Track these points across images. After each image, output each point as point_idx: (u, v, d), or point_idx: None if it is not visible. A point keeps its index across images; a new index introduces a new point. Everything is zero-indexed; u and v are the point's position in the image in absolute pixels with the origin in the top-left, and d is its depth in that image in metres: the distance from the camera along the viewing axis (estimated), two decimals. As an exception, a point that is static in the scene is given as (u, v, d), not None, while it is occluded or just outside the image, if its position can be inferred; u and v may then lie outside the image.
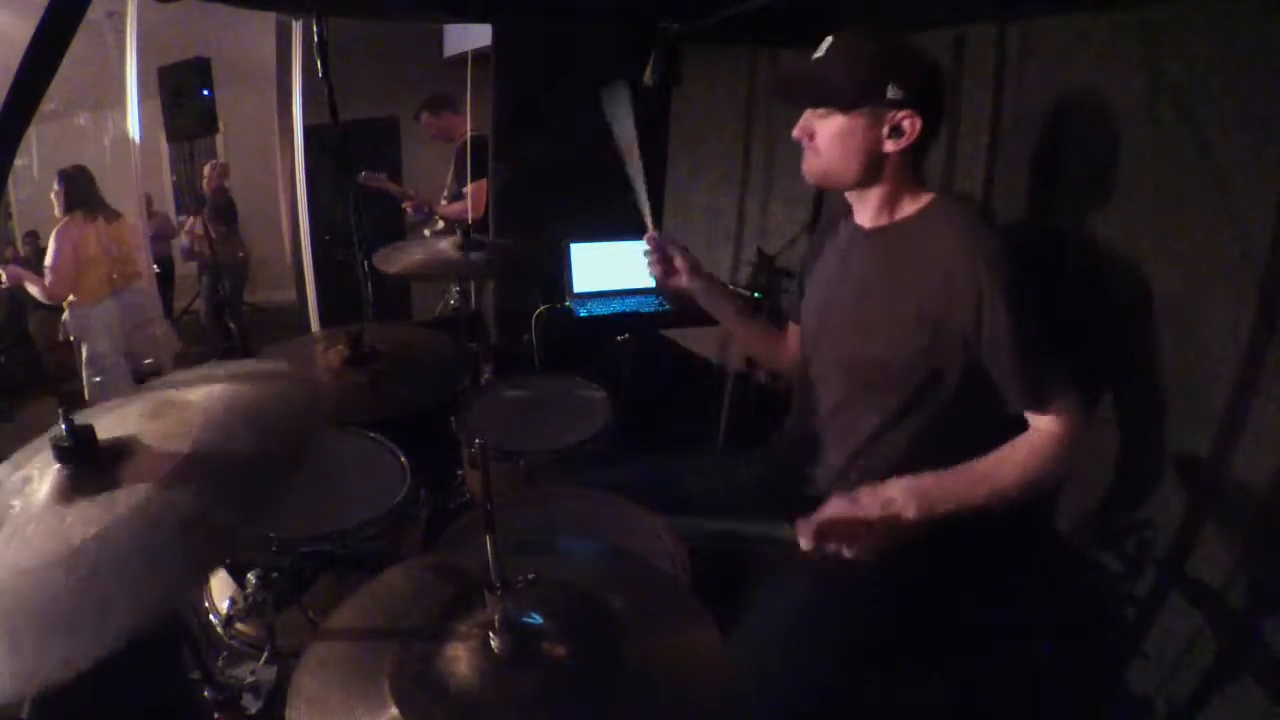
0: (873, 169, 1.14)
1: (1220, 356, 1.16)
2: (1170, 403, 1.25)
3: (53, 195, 3.29)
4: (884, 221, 1.20)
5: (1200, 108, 1.17)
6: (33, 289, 3.30)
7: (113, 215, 3.37)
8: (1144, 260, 1.28)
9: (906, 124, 1.09)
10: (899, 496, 1.05)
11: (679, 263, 1.44)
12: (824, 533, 1.04)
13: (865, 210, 1.22)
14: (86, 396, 3.33)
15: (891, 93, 1.07)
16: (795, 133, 1.18)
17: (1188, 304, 1.21)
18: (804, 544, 1.04)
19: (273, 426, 0.75)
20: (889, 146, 1.11)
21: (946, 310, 1.09)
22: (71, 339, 3.39)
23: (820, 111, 1.14)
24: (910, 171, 1.16)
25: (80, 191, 3.28)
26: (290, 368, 0.89)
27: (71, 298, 3.26)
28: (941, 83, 1.14)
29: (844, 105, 1.11)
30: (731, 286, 2.36)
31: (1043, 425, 1.09)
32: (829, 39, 1.13)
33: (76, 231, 3.22)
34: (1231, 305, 1.15)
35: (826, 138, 1.14)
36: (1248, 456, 1.15)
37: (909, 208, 1.18)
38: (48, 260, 3.21)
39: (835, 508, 1.06)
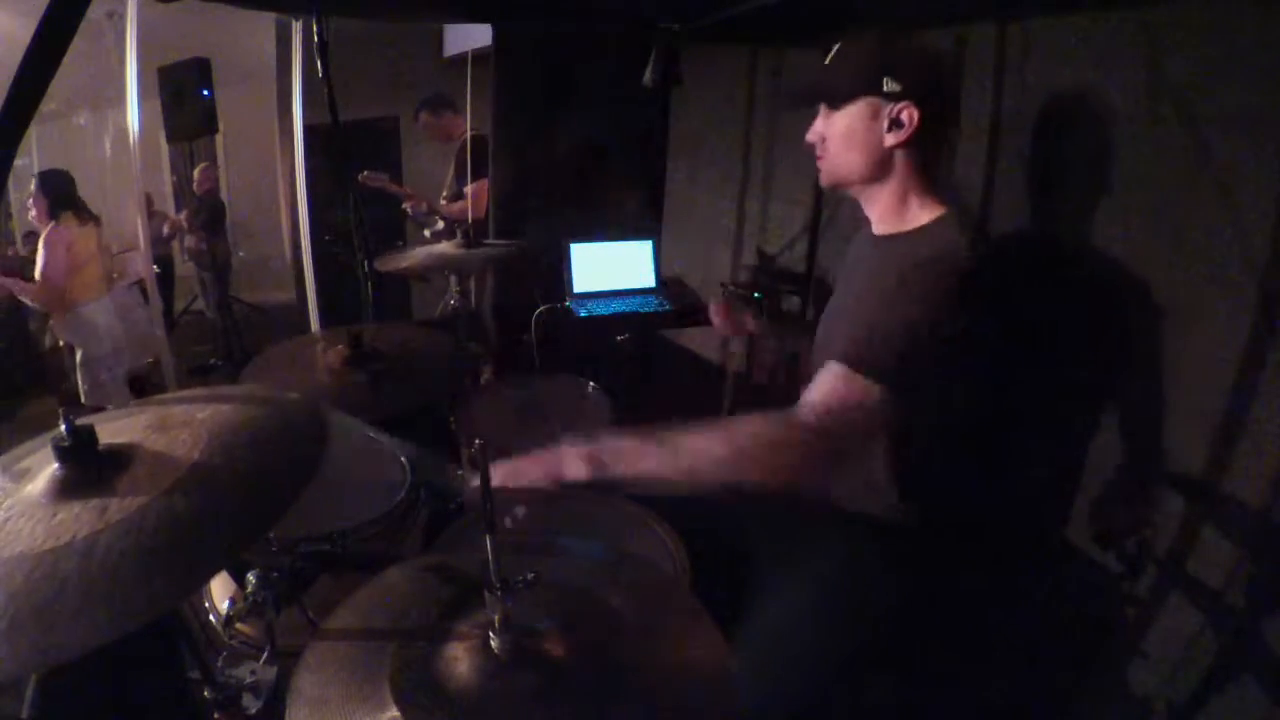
0: (878, 164, 1.14)
1: (1220, 356, 1.16)
2: (1170, 403, 1.25)
3: (29, 201, 3.25)
4: (890, 230, 1.19)
5: (1200, 108, 1.17)
6: (24, 298, 3.27)
7: (95, 217, 3.35)
8: (1143, 260, 1.28)
9: (904, 116, 1.09)
10: (572, 456, 1.00)
11: (750, 324, 1.61)
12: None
13: (875, 214, 1.22)
14: (83, 400, 3.31)
15: (888, 85, 1.08)
16: (809, 138, 1.19)
17: (1188, 304, 1.21)
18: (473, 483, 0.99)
19: (276, 453, 0.75)
20: (889, 140, 1.11)
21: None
22: (61, 343, 3.36)
23: (826, 113, 1.16)
24: (919, 173, 1.15)
25: (65, 194, 3.25)
26: (300, 396, 0.89)
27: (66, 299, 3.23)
28: (944, 78, 1.14)
29: (839, 100, 1.13)
30: (732, 287, 2.37)
31: (819, 382, 1.01)
32: (838, 45, 1.15)
33: (68, 234, 3.18)
34: (1231, 305, 1.15)
35: (834, 138, 1.16)
36: (1247, 456, 1.15)
37: (918, 218, 1.16)
38: (38, 266, 3.15)
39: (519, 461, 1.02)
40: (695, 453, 0.98)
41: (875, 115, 1.11)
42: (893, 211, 1.18)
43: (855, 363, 0.99)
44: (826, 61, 1.15)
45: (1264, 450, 1.12)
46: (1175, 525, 1.25)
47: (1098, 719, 1.42)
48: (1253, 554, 1.15)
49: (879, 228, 1.22)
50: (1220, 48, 1.14)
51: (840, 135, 1.15)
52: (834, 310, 1.31)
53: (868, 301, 1.09)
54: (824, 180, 1.21)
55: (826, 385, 1.01)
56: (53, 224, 3.17)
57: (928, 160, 1.15)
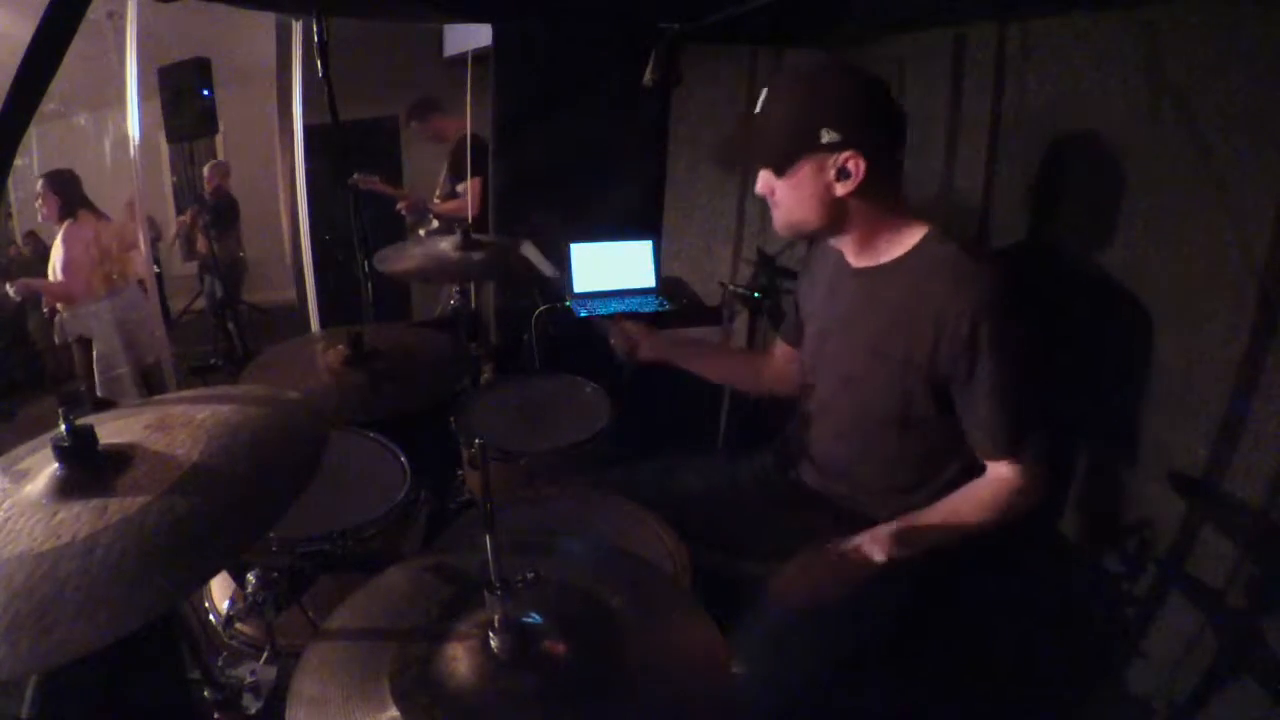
0: (834, 214, 1.12)
1: (1220, 356, 1.16)
2: (1170, 403, 1.25)
3: (37, 202, 3.30)
4: (869, 263, 1.18)
5: (1200, 108, 1.17)
6: (46, 295, 3.36)
7: (106, 217, 3.42)
8: (1143, 260, 1.28)
9: (850, 165, 1.06)
10: (866, 546, 1.07)
11: (634, 330, 1.55)
12: (796, 587, 1.07)
13: (848, 249, 1.21)
14: (98, 393, 3.36)
15: (826, 136, 1.04)
16: (758, 189, 1.16)
17: (1188, 304, 1.21)
18: (776, 597, 1.07)
19: (276, 453, 0.75)
20: (840, 190, 1.08)
21: (933, 356, 1.08)
22: (71, 341, 3.40)
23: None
24: (881, 207, 1.13)
25: (77, 193, 3.31)
26: (300, 397, 0.89)
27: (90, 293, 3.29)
28: (885, 112, 1.09)
29: (779, 164, 1.10)
30: (733, 287, 2.37)
31: (1002, 472, 1.11)
32: (765, 91, 1.12)
33: (87, 231, 3.25)
34: (1231, 305, 1.15)
35: (783, 191, 1.13)
36: (1247, 456, 1.15)
37: (895, 247, 1.15)
38: (58, 262, 3.23)
39: (806, 564, 1.08)
40: (949, 520, 1.12)
41: (821, 169, 1.07)
42: (866, 247, 1.17)
43: (1014, 450, 1.10)
44: (757, 109, 1.12)
45: (1264, 450, 1.12)
46: (1175, 525, 1.25)
47: (1098, 719, 1.42)
48: (1253, 554, 1.15)
49: (856, 260, 1.20)
50: (1220, 48, 1.13)
51: (790, 192, 1.12)
52: (821, 334, 1.30)
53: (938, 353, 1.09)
54: (780, 230, 1.18)
55: (1005, 478, 1.12)
56: (70, 220, 3.25)
57: (886, 192, 1.13)
